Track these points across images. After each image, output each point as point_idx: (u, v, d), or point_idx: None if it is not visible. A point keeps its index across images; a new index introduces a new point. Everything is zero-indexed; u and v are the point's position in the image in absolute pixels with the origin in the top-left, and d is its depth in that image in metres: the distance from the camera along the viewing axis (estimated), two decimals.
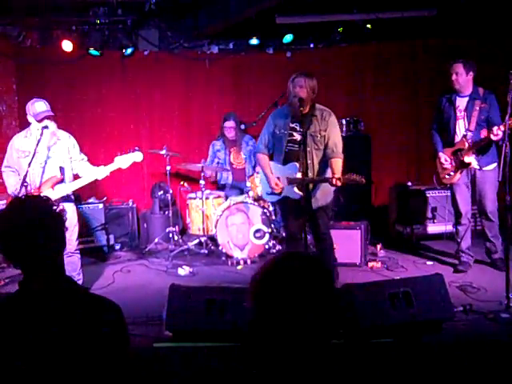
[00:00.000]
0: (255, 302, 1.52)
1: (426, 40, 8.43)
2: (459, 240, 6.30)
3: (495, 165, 5.86)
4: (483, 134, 5.85)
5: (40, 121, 5.29)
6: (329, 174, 5.30)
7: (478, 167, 5.96)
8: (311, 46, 8.82)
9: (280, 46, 8.67)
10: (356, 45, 8.70)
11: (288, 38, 8.37)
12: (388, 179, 8.46)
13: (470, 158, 5.92)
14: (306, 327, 1.48)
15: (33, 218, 2.03)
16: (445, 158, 6.09)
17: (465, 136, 5.97)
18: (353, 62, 8.72)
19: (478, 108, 5.92)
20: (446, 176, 6.15)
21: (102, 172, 5.47)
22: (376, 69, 8.69)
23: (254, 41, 8.47)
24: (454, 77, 5.94)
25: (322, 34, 8.70)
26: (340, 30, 8.54)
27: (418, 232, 7.59)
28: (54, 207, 2.12)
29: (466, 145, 5.93)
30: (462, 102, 6.03)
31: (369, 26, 8.32)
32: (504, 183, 5.11)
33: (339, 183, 5.09)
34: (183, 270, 6.53)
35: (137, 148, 5.63)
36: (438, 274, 4.78)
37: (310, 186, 5.38)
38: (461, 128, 6.04)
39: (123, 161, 5.50)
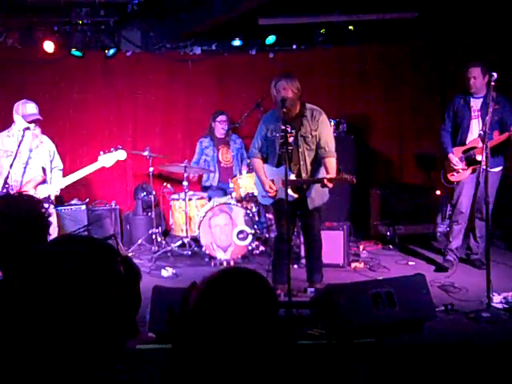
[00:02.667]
0: (195, 307, 1.52)
1: (408, 41, 8.48)
2: (451, 238, 6.34)
3: (501, 168, 6.08)
4: (495, 135, 5.97)
5: (29, 122, 5.28)
6: (322, 174, 5.35)
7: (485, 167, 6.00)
8: (294, 47, 8.84)
9: (263, 47, 8.67)
10: (339, 46, 8.74)
11: (271, 39, 8.39)
12: (371, 179, 8.50)
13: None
14: (239, 344, 1.47)
15: (23, 216, 2.00)
16: (456, 160, 6.15)
17: (480, 136, 6.02)
18: (335, 64, 8.75)
19: (491, 109, 5.97)
20: (455, 174, 6.21)
21: (84, 171, 5.44)
22: (359, 70, 8.73)
23: (237, 42, 8.48)
24: (472, 81, 6.02)
25: (304, 35, 8.72)
26: (322, 31, 8.57)
27: (400, 232, 7.64)
28: (43, 209, 2.11)
29: (480, 144, 5.98)
30: (476, 103, 6.13)
31: (351, 27, 8.36)
32: (486, 184, 5.18)
33: (330, 185, 5.13)
34: (166, 272, 6.51)
35: (120, 146, 5.60)
36: (420, 274, 4.83)
37: (304, 186, 5.43)
38: (474, 127, 6.14)
39: (107, 159, 5.48)
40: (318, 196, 5.50)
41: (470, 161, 6.11)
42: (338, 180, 5.17)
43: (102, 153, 5.53)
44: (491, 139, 5.94)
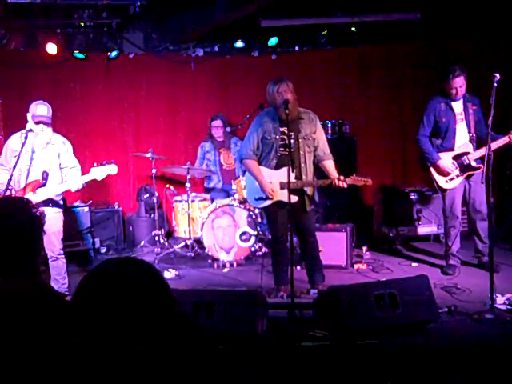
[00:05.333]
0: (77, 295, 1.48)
1: (410, 43, 8.48)
2: (450, 243, 6.24)
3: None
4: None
5: (36, 123, 5.29)
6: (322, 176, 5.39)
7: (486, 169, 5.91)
8: (296, 48, 8.83)
9: (265, 48, 8.68)
10: (341, 48, 8.74)
11: (273, 40, 8.39)
12: (373, 181, 8.47)
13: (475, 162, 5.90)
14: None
15: (8, 217, 2.00)
16: (450, 166, 5.99)
17: (471, 140, 5.95)
18: (338, 65, 8.75)
19: (471, 111, 5.92)
20: (448, 181, 6.06)
21: (76, 182, 5.41)
22: (361, 71, 8.73)
23: (239, 44, 8.48)
24: (459, 90, 5.87)
25: (307, 36, 8.73)
26: (324, 33, 8.57)
27: (403, 234, 7.63)
28: (34, 209, 2.10)
29: (472, 148, 5.91)
30: (457, 106, 6.00)
31: (353, 28, 8.37)
32: (488, 185, 5.16)
33: (345, 185, 5.14)
34: (169, 273, 6.52)
35: (113, 161, 5.57)
36: (423, 275, 4.81)
37: (310, 188, 5.44)
38: (461, 131, 6.01)
39: (98, 172, 5.43)
40: (314, 198, 5.57)
41: (464, 167, 5.98)
42: (353, 181, 5.20)
43: (95, 164, 5.48)
44: (475, 141, 5.91)
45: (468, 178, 6.07)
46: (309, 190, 5.48)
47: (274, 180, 5.42)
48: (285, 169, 5.19)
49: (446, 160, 6.04)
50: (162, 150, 8.21)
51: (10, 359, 1.79)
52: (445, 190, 6.16)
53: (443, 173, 6.06)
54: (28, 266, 2.01)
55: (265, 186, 5.43)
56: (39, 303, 1.92)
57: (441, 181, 6.11)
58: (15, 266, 1.98)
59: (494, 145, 5.75)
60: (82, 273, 6.72)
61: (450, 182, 6.08)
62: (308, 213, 5.55)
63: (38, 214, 2.12)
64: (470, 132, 5.99)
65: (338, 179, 5.17)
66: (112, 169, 5.50)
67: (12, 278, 1.99)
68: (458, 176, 6.05)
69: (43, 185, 5.35)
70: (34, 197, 5.21)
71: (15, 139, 5.46)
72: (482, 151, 5.79)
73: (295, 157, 5.33)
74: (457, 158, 6.02)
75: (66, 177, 5.50)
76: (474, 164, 5.93)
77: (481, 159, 5.87)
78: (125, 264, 1.55)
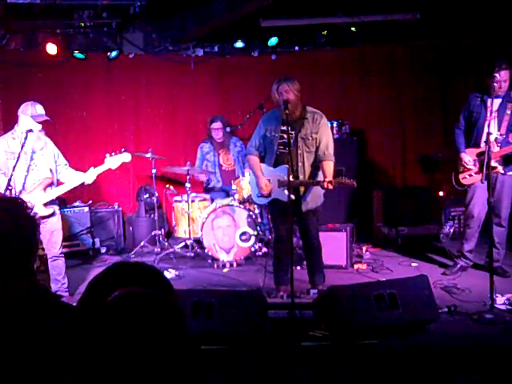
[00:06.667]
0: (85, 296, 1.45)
1: (409, 42, 8.49)
2: (463, 241, 6.16)
3: None
4: (511, 138, 5.78)
5: (39, 123, 5.30)
6: (320, 176, 5.33)
7: (502, 172, 5.81)
8: (296, 48, 8.84)
9: (265, 48, 8.68)
10: (341, 48, 8.75)
11: (273, 40, 8.40)
12: (373, 181, 8.50)
13: (497, 163, 5.79)
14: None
15: (5, 220, 2.00)
16: (468, 159, 5.93)
17: (495, 139, 5.80)
18: (338, 65, 8.76)
19: (509, 112, 5.76)
20: (467, 176, 6.00)
21: (91, 174, 5.46)
22: (361, 71, 8.74)
23: (239, 44, 8.49)
24: (502, 84, 5.66)
25: (306, 36, 8.73)
26: (324, 33, 8.57)
27: (403, 233, 7.63)
28: (29, 210, 2.09)
29: (496, 148, 5.78)
30: (493, 103, 5.77)
31: (353, 28, 8.37)
32: (488, 185, 5.15)
33: (330, 186, 5.12)
34: (169, 273, 6.51)
35: (124, 149, 5.65)
36: (423, 275, 4.82)
37: (302, 188, 5.42)
38: (490, 129, 5.78)
39: (113, 161, 5.55)
40: (312, 199, 5.48)
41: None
42: (338, 183, 5.17)
43: (108, 155, 5.56)
44: (507, 142, 5.78)
45: (495, 181, 5.87)
46: (300, 190, 5.47)
47: (273, 177, 5.44)
48: (282, 167, 5.24)
49: (468, 155, 5.98)
50: (162, 150, 8.20)
51: (5, 362, 1.78)
52: (461, 185, 6.08)
53: (462, 165, 6.00)
54: (23, 268, 1.99)
55: (259, 181, 5.47)
56: (34, 305, 1.91)
57: (461, 175, 6.05)
58: (9, 267, 1.97)
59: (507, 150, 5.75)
60: (81, 273, 6.72)
61: (469, 178, 6.00)
62: (306, 213, 5.53)
63: (32, 214, 2.10)
64: (499, 131, 5.84)
65: (324, 181, 5.14)
66: (126, 157, 5.59)
67: (6, 279, 1.97)
68: (476, 173, 5.95)
69: (52, 183, 5.38)
70: (44, 196, 5.24)
71: (7, 140, 5.42)
72: (502, 151, 5.75)
73: (293, 156, 5.32)
74: (480, 155, 5.88)
75: (60, 174, 5.53)
76: (492, 164, 5.80)
77: (503, 160, 5.81)
78: (133, 269, 1.54)
